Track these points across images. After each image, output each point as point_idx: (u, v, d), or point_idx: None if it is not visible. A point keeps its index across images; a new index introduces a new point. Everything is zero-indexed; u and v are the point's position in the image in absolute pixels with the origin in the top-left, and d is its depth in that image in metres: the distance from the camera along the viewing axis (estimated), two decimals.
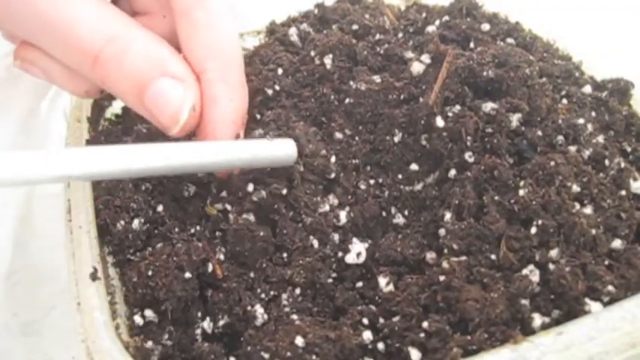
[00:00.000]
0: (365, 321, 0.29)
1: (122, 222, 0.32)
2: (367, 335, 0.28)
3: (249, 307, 0.29)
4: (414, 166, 0.35)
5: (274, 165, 0.33)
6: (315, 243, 0.32)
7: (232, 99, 0.34)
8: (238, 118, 0.34)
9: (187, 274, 0.30)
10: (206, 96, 0.33)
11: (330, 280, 0.31)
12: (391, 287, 0.30)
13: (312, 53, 0.39)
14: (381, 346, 0.28)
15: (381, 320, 0.29)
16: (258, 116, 0.37)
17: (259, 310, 0.29)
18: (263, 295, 0.30)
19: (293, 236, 0.32)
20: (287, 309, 0.29)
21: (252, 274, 0.31)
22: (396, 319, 0.29)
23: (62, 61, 0.33)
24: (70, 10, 0.31)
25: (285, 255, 0.32)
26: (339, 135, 0.36)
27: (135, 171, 0.28)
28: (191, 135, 0.34)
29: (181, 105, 0.32)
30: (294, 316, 0.29)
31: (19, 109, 0.43)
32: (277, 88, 0.38)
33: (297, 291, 0.30)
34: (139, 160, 0.28)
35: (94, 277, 0.30)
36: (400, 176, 0.36)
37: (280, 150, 0.33)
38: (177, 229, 0.33)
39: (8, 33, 0.35)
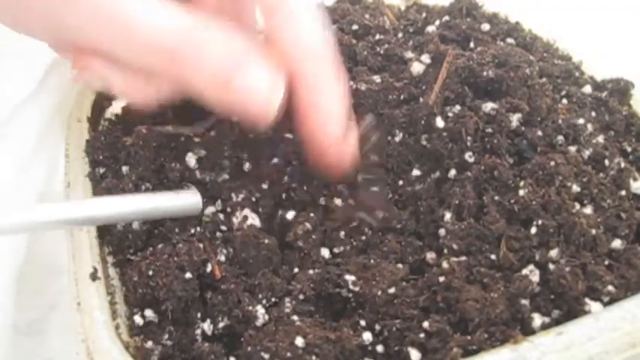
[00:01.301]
0: (363, 322, 0.29)
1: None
2: (367, 336, 0.28)
3: (249, 308, 0.29)
4: (414, 167, 0.35)
5: (179, 215, 0.33)
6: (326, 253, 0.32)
7: (338, 89, 0.31)
8: (346, 108, 0.32)
9: (188, 275, 0.30)
10: (310, 89, 0.31)
11: (337, 290, 0.31)
12: (392, 289, 0.30)
13: None
14: (380, 347, 0.28)
15: (381, 321, 0.29)
16: None
17: (260, 310, 0.29)
18: (264, 301, 0.30)
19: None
20: (288, 310, 0.29)
21: (254, 281, 0.31)
22: (395, 319, 0.29)
23: (131, 63, 0.31)
24: (135, 4, 0.29)
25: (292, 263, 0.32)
26: None
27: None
28: (284, 130, 0.33)
29: (271, 93, 0.30)
30: (295, 317, 0.29)
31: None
32: None
33: (301, 297, 0.30)
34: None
35: (94, 277, 0.30)
36: (400, 176, 0.35)
37: (185, 201, 0.33)
38: (177, 229, 0.33)
39: (60, 41, 0.32)
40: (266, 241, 0.31)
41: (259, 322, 0.29)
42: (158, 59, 0.30)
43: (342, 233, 0.32)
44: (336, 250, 0.32)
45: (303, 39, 0.31)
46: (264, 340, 0.27)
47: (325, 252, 0.32)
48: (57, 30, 0.31)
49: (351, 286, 0.30)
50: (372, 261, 0.31)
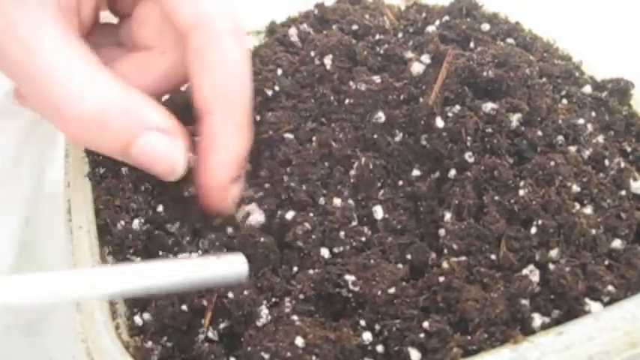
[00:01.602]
0: (363, 322, 0.29)
1: (122, 222, 0.32)
2: (367, 336, 0.28)
3: (250, 309, 0.29)
4: (414, 167, 0.35)
5: (222, 285, 0.30)
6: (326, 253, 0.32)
7: (233, 143, 0.33)
8: (238, 161, 0.34)
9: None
10: (207, 138, 0.33)
11: (337, 290, 0.31)
12: (392, 289, 0.30)
13: (312, 53, 0.39)
14: (380, 347, 0.28)
15: (381, 321, 0.29)
16: (258, 117, 0.37)
17: (264, 310, 0.29)
18: (265, 301, 0.30)
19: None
20: (287, 310, 0.29)
21: (255, 282, 0.31)
22: (395, 319, 0.28)
23: (45, 116, 0.33)
24: (45, 62, 0.30)
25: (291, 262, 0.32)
26: (340, 136, 0.36)
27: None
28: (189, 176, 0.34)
29: (174, 159, 0.32)
30: (295, 317, 0.29)
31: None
32: (277, 88, 0.38)
33: (301, 296, 0.30)
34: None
35: None
36: (400, 177, 0.35)
37: (228, 269, 0.30)
38: (177, 227, 0.33)
39: None
40: (262, 239, 0.32)
41: (260, 322, 0.29)
42: (60, 123, 0.31)
43: (342, 233, 0.32)
44: (335, 250, 0.32)
45: (221, 88, 0.33)
46: (264, 340, 0.27)
47: (325, 252, 0.32)
48: None
49: (351, 286, 0.30)
50: (372, 261, 0.31)
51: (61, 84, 0.30)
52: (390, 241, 0.32)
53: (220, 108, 0.33)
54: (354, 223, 0.33)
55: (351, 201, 0.33)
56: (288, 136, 0.36)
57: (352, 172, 0.34)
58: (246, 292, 0.29)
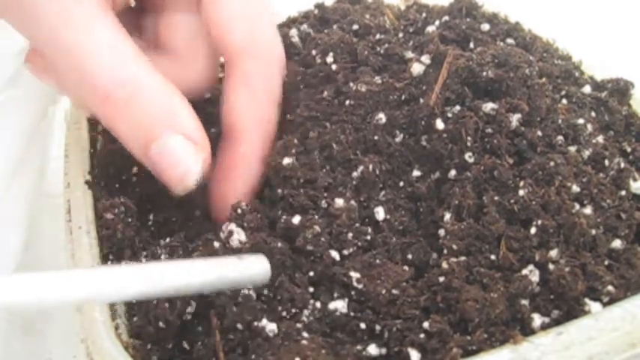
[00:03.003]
0: (363, 325, 0.29)
1: (122, 223, 0.32)
2: (372, 349, 0.27)
3: (257, 324, 0.28)
4: (414, 167, 0.35)
5: (245, 286, 0.29)
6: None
7: (253, 175, 0.33)
8: (250, 190, 0.33)
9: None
10: (228, 161, 0.33)
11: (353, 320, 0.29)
12: (396, 290, 0.30)
13: (314, 52, 0.39)
14: (382, 350, 0.28)
15: (382, 321, 0.29)
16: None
17: (270, 326, 0.28)
18: (284, 313, 0.29)
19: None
20: (299, 325, 0.28)
21: (270, 293, 0.30)
22: (396, 319, 0.28)
23: (69, 86, 0.31)
24: (85, 36, 0.29)
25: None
26: (341, 136, 0.36)
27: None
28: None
29: (190, 169, 0.30)
30: (305, 334, 0.28)
31: (27, 111, 0.43)
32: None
33: (317, 314, 0.29)
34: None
35: None
36: (401, 177, 0.35)
37: (251, 269, 0.29)
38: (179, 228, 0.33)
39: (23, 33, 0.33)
40: (279, 244, 0.30)
41: (271, 333, 0.28)
42: (91, 96, 0.30)
43: (350, 235, 0.32)
44: (345, 252, 0.31)
45: (242, 113, 0.33)
46: (267, 353, 0.27)
47: (335, 254, 0.31)
48: (19, 23, 0.30)
49: (355, 284, 0.29)
50: (377, 260, 0.31)
51: (103, 65, 0.29)
52: (394, 242, 0.32)
53: (250, 139, 0.33)
54: (358, 225, 0.33)
55: (353, 202, 0.33)
56: (290, 137, 0.36)
57: (355, 174, 0.34)
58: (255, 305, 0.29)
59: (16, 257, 0.41)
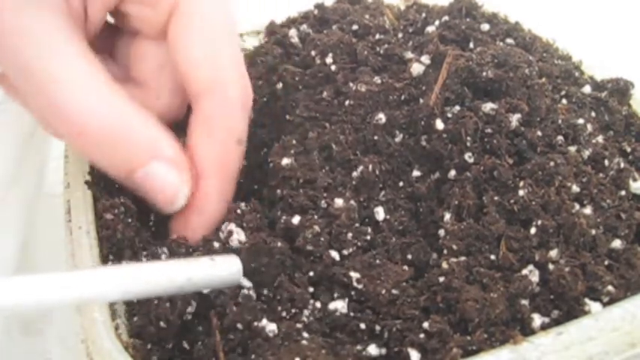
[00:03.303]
0: (363, 326, 0.29)
1: (122, 223, 0.32)
2: (372, 349, 0.27)
3: (257, 324, 0.28)
4: (414, 167, 0.35)
5: (216, 287, 0.29)
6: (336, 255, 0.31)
7: (218, 208, 0.33)
8: (213, 222, 0.33)
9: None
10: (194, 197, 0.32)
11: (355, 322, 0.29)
12: (396, 290, 0.30)
13: (313, 53, 0.39)
14: (382, 350, 0.28)
15: (382, 321, 0.29)
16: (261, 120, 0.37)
17: (270, 326, 0.28)
18: (284, 313, 0.29)
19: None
20: (299, 326, 0.28)
21: (270, 293, 0.30)
22: (396, 320, 0.28)
23: (37, 110, 0.31)
24: (59, 68, 0.29)
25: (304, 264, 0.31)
26: (340, 137, 0.36)
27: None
28: None
29: (179, 192, 0.31)
30: (305, 334, 0.28)
31: (26, 113, 0.43)
32: (279, 91, 0.38)
33: (318, 314, 0.29)
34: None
35: None
36: (401, 177, 0.35)
37: (223, 270, 0.29)
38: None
39: None
40: (279, 244, 0.30)
41: (272, 333, 0.28)
42: (66, 131, 0.30)
43: (350, 235, 0.32)
44: (345, 252, 0.31)
45: (200, 153, 0.32)
46: (267, 353, 0.27)
47: (335, 254, 0.31)
48: None
49: (355, 284, 0.29)
50: (377, 261, 0.31)
51: (75, 95, 0.29)
52: (393, 242, 0.32)
53: (207, 181, 0.32)
54: (358, 225, 0.33)
55: (353, 202, 0.33)
56: (289, 137, 0.36)
57: (354, 175, 0.34)
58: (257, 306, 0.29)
59: (15, 259, 0.41)
